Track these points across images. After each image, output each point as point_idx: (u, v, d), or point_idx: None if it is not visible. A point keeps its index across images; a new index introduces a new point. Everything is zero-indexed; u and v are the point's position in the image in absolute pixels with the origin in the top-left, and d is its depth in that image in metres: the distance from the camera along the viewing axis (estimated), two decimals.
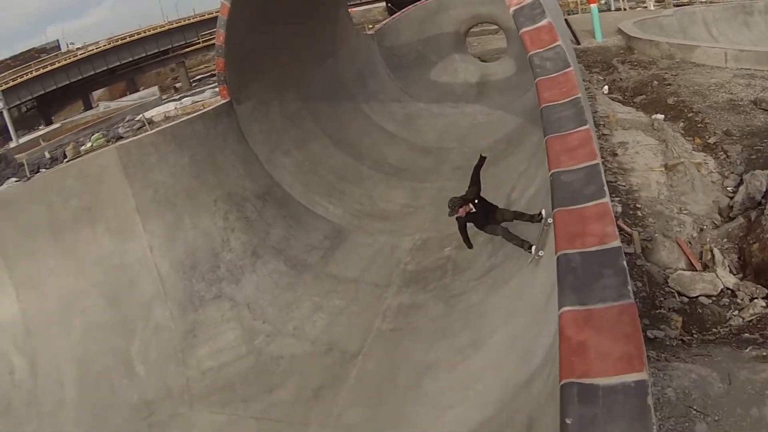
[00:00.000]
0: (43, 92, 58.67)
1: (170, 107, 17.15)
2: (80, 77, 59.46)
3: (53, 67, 63.71)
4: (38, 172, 16.59)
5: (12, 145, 40.74)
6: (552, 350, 8.43)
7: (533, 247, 11.06)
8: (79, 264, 15.07)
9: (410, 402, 10.67)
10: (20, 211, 15.96)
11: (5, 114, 49.17)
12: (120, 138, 16.02)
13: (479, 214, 11.40)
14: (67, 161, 16.37)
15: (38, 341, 15.17)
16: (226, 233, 14.70)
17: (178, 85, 59.19)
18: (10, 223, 16.01)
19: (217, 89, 17.29)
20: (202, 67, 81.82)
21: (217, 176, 15.39)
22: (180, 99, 19.61)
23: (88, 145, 16.30)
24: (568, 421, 5.19)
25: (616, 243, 6.70)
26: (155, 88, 43.34)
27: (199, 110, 16.88)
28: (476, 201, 11.32)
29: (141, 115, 17.49)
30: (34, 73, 64.02)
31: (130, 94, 50.66)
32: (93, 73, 59.39)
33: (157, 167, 14.89)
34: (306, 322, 13.57)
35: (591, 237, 6.99)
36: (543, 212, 11.15)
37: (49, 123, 56.53)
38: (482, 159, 12.14)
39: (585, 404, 5.22)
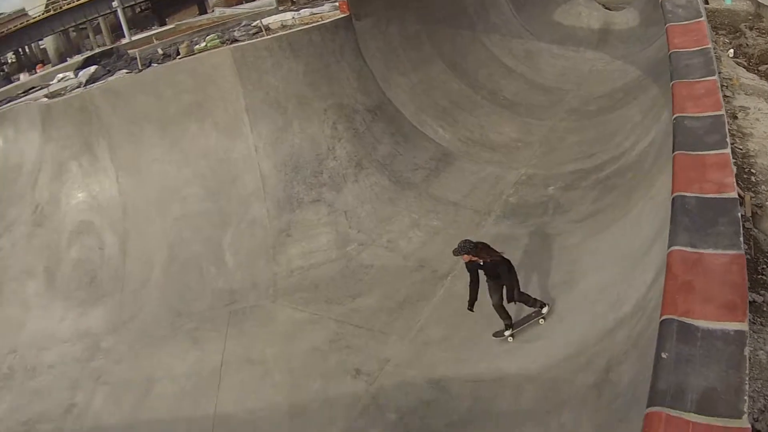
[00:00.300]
0: None
1: (287, 16, 17.28)
2: None
3: None
4: (150, 66, 16.98)
5: (124, 41, 41.67)
6: (643, 300, 8.49)
7: (509, 332, 10.78)
8: (184, 155, 15.74)
9: (491, 329, 10.89)
10: (129, 100, 16.64)
11: (119, 12, 50.23)
12: (235, 41, 16.24)
13: (486, 270, 10.47)
14: (180, 58, 16.70)
15: (132, 222, 16.05)
16: (332, 142, 15.04)
17: None
18: (118, 111, 16.74)
19: (336, 4, 17.33)
20: None
21: (330, 86, 15.67)
22: (298, 10, 19.75)
23: (203, 45, 16.63)
24: (663, 355, 5.27)
25: (734, 194, 6.72)
26: None
27: (317, 22, 17.00)
28: (490, 261, 10.33)
29: (258, 21, 17.69)
30: None
31: (246, 2, 51.08)
32: None
33: (271, 71, 15.30)
34: (401, 237, 13.90)
35: (709, 184, 7.03)
36: (546, 308, 10.82)
37: (162, 24, 57.50)
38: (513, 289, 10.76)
39: (683, 343, 5.32)
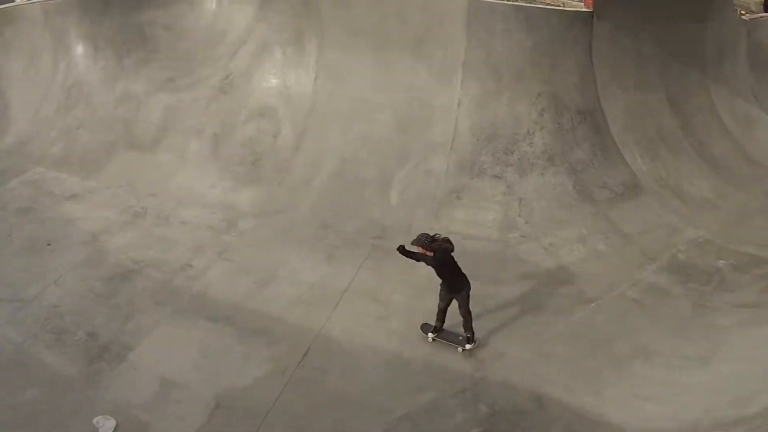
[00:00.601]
0: None
1: None
2: None
3: None
4: None
5: None
6: None
7: (432, 335, 11.71)
8: (388, 82, 16.08)
9: (611, 369, 10.81)
10: (354, 12, 17.03)
11: None
12: None
13: (435, 266, 11.04)
14: None
15: (315, 124, 16.67)
16: (534, 127, 14.92)
17: None
18: (340, 17, 17.19)
19: None
20: None
21: (551, 73, 15.51)
22: None
23: None
24: None
25: None
26: None
27: (559, 6, 16.82)
28: (438, 255, 10.84)
29: None
30: None
31: None
32: None
33: (499, 36, 15.25)
34: (564, 246, 13.75)
35: None
36: (470, 346, 11.43)
37: None
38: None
39: None
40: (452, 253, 10.93)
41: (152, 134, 19.88)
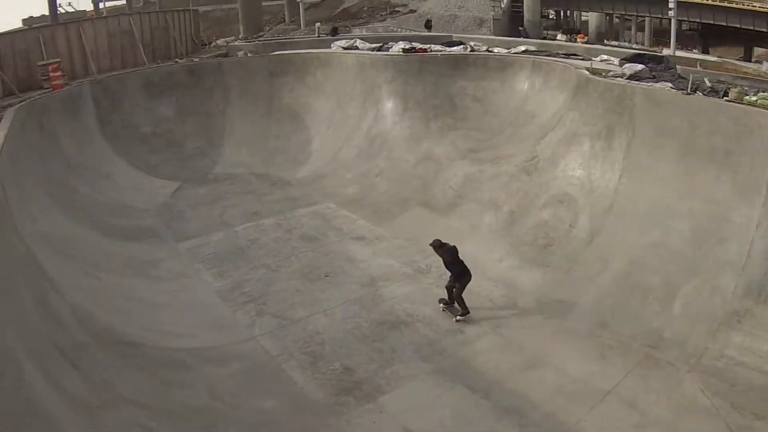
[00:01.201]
0: (711, 22, 58.91)
1: None
2: (749, 27, 58.32)
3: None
4: (695, 92, 17.59)
5: (666, 51, 42.46)
6: None
7: (443, 305, 16.06)
8: (688, 191, 16.12)
9: None
10: (665, 113, 17.36)
11: (673, 22, 50.27)
12: None
13: (444, 263, 15.83)
14: (725, 99, 17.11)
15: (612, 222, 17.20)
16: None
17: None
18: (652, 119, 17.60)
19: None
20: None
21: None
22: None
23: (753, 98, 16.88)
24: None
25: None
26: None
27: None
28: (444, 260, 15.83)
29: None
30: None
31: None
32: (763, 30, 57.78)
33: None
34: None
35: None
36: (462, 317, 15.56)
37: (705, 52, 57.34)
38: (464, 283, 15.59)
39: None
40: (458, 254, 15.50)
41: (448, 198, 21.48)
